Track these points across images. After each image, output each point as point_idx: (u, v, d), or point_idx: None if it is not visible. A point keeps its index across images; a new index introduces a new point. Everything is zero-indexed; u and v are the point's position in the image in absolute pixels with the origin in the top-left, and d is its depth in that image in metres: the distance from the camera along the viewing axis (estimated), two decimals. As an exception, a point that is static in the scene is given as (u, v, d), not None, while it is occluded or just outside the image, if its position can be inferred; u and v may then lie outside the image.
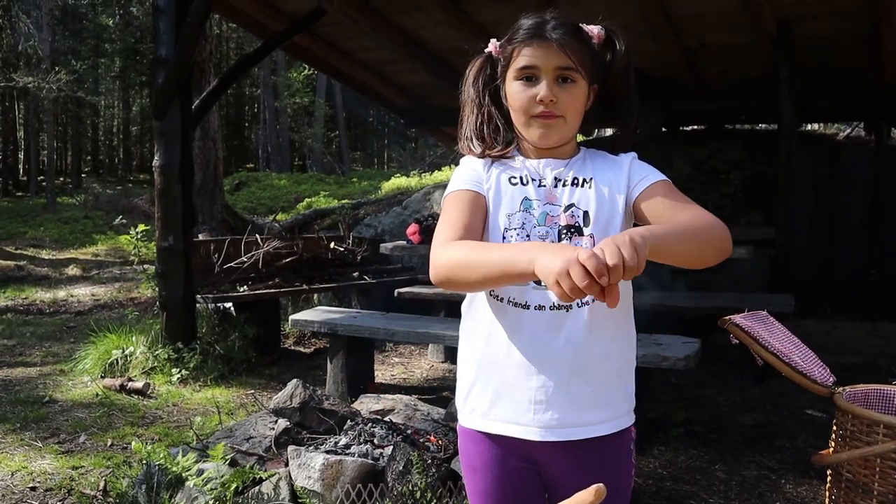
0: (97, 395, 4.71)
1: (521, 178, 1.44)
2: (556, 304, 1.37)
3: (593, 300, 1.38)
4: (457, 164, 1.58)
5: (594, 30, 1.43)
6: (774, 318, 2.17)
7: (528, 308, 1.39)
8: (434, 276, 1.36)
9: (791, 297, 5.04)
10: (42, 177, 23.38)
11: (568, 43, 1.36)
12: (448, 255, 1.32)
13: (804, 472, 3.39)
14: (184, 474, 2.68)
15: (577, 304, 1.37)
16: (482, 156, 1.47)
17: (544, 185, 1.42)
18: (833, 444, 2.05)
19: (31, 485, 3.30)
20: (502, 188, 1.43)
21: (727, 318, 2.02)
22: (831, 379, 2.08)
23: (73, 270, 11.63)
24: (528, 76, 1.39)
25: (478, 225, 1.40)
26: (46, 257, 13.18)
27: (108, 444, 3.86)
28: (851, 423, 1.91)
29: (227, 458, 2.84)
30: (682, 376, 4.95)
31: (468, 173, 1.47)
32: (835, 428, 2.06)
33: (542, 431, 1.38)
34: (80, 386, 4.96)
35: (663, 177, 1.43)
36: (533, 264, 1.13)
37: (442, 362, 5.83)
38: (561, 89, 1.37)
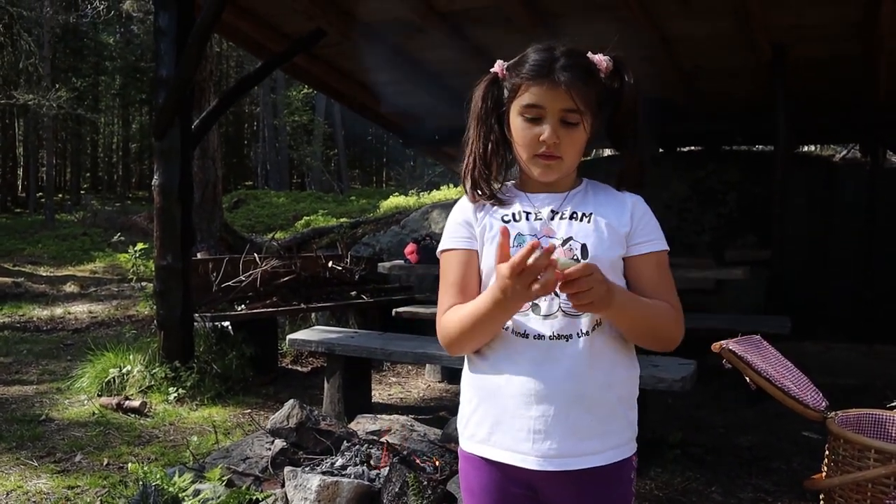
0: (94, 413, 4.71)
1: (513, 216, 1.45)
2: (555, 334, 1.38)
3: (592, 329, 1.40)
4: (455, 183, 1.61)
5: (603, 62, 1.43)
6: (768, 342, 2.18)
7: (528, 337, 1.40)
8: (444, 348, 1.49)
9: (787, 319, 5.05)
10: (41, 193, 23.42)
11: (576, 86, 1.35)
12: (444, 331, 1.46)
13: (800, 494, 3.39)
14: (180, 495, 2.68)
15: (577, 333, 1.39)
16: (476, 200, 1.49)
17: (540, 219, 1.44)
18: (825, 468, 2.06)
19: (26, 505, 3.30)
20: (494, 228, 1.44)
21: (720, 343, 2.03)
22: (824, 403, 2.09)
23: (70, 287, 11.62)
24: (533, 116, 1.39)
25: (472, 282, 1.47)
26: (44, 274, 13.16)
27: (105, 463, 3.85)
28: (843, 447, 1.92)
29: (223, 478, 2.84)
30: (679, 397, 4.94)
31: (458, 228, 1.50)
32: (827, 452, 2.06)
33: (540, 461, 1.39)
34: (76, 404, 4.96)
35: (664, 246, 1.46)
36: (493, 289, 1.31)
37: (439, 382, 5.83)
38: (565, 131, 1.38)
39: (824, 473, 2.06)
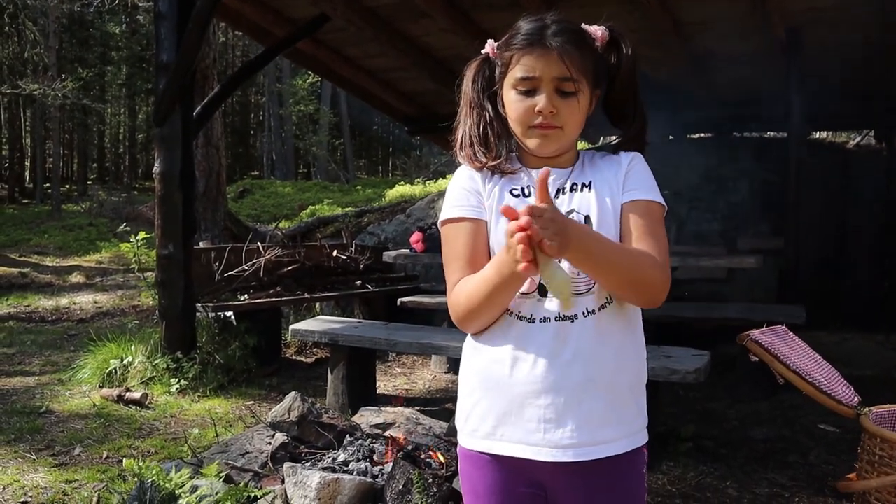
0: (94, 405, 4.63)
1: (522, 190, 1.39)
2: (560, 315, 1.31)
3: (599, 308, 1.33)
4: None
5: (597, 32, 1.38)
6: (794, 334, 2.07)
7: (534, 321, 1.33)
8: (457, 325, 1.39)
9: (802, 308, 4.94)
10: (48, 184, 23.36)
11: (569, 52, 1.30)
12: (455, 307, 1.36)
13: (818, 489, 3.29)
14: (177, 491, 2.59)
15: (584, 313, 1.32)
16: (482, 168, 1.40)
17: None
18: (859, 468, 1.93)
19: (22, 499, 3.22)
20: (504, 200, 1.38)
21: (746, 333, 1.92)
22: (856, 399, 1.97)
23: (76, 278, 11.58)
24: (527, 88, 1.33)
25: (480, 255, 1.38)
26: (50, 264, 13.14)
27: (104, 456, 3.78)
28: (880, 447, 1.80)
29: (221, 474, 2.75)
30: (691, 389, 4.85)
31: (464, 195, 1.41)
32: (861, 451, 1.94)
33: (553, 451, 1.30)
34: (77, 396, 4.89)
35: (653, 196, 1.37)
36: (500, 255, 1.23)
37: (445, 373, 5.74)
38: (561, 100, 1.32)
39: (857, 474, 1.94)
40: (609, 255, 1.25)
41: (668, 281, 1.32)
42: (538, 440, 1.31)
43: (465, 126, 1.42)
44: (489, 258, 1.37)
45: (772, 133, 8.45)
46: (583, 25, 1.38)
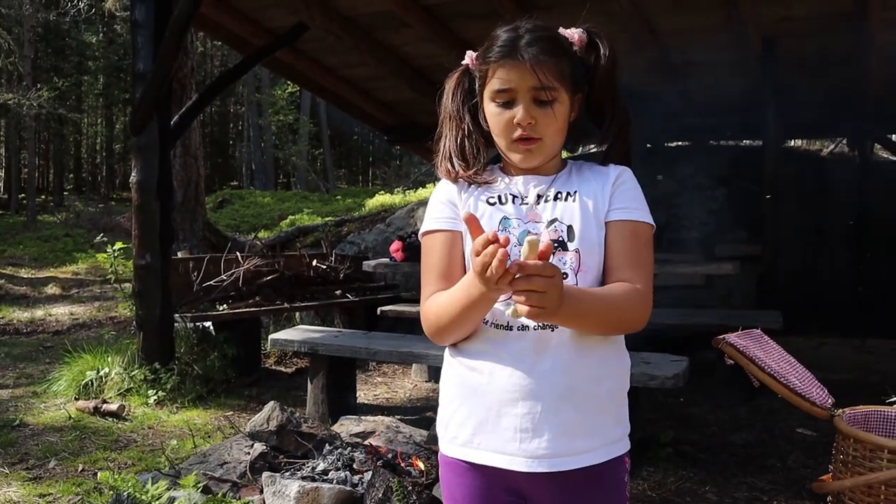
0: (70, 417, 4.56)
1: (499, 198, 1.38)
2: (539, 324, 1.29)
3: None
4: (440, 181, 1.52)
5: (574, 35, 1.38)
6: (769, 337, 2.09)
7: (511, 329, 1.32)
8: (430, 338, 1.40)
9: (779, 314, 4.99)
10: (23, 195, 23.06)
11: (542, 62, 1.29)
12: (427, 321, 1.37)
13: (796, 492, 3.31)
14: (154, 503, 2.55)
15: None
16: (456, 179, 1.41)
17: (526, 204, 1.37)
18: (833, 469, 1.95)
19: (-5, 514, 3.17)
20: (479, 209, 1.37)
21: (721, 337, 1.93)
22: (830, 401, 1.99)
23: (52, 289, 11.43)
24: (505, 100, 1.33)
25: (455, 266, 1.39)
26: (25, 276, 12.95)
27: (79, 469, 3.72)
28: (853, 447, 1.82)
29: (199, 485, 2.72)
30: (670, 395, 4.86)
31: (441, 208, 1.42)
32: (835, 452, 1.96)
33: (529, 461, 1.29)
34: (52, 408, 4.81)
35: (642, 217, 1.36)
36: (469, 278, 1.22)
37: (426, 382, 5.73)
38: (539, 110, 1.31)
39: (832, 474, 1.96)
40: (592, 311, 1.25)
41: (649, 310, 1.32)
42: (514, 449, 1.30)
43: (445, 140, 1.43)
44: (464, 269, 1.36)
45: (747, 141, 8.56)
46: (560, 29, 1.38)
